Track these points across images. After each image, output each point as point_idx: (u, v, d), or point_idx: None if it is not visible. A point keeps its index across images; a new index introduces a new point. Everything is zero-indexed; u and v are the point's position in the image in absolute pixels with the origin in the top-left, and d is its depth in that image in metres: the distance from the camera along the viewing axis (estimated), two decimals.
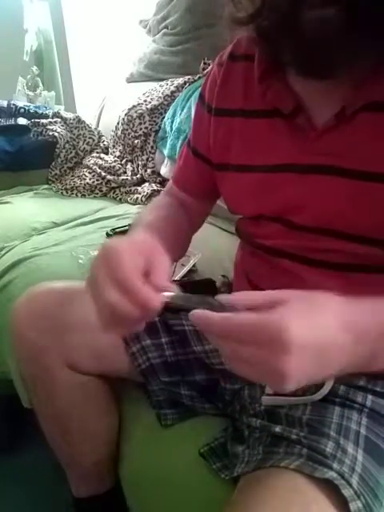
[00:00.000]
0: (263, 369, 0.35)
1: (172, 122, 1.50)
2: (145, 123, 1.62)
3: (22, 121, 1.79)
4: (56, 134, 1.75)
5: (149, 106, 1.61)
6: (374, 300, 0.40)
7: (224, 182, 0.65)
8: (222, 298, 0.39)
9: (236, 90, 0.60)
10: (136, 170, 1.70)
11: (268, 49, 0.52)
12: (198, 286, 0.84)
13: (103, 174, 1.69)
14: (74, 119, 1.83)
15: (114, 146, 1.80)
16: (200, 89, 0.69)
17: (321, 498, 0.42)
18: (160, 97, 1.62)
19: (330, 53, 0.42)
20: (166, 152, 1.53)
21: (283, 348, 0.34)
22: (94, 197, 1.68)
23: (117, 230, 1.27)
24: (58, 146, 1.76)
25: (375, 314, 0.40)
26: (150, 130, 1.62)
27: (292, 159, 0.54)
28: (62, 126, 1.81)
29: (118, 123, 1.72)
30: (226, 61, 0.61)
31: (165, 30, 1.79)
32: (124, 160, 1.74)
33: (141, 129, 1.63)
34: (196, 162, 0.70)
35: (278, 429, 0.51)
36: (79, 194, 1.68)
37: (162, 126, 1.58)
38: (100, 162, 1.73)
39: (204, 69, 1.53)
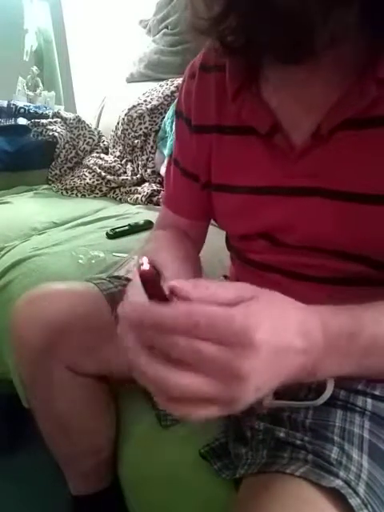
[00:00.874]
0: (221, 373, 0.31)
1: (172, 122, 1.50)
2: (145, 123, 1.62)
3: (22, 121, 1.79)
4: (56, 134, 1.75)
5: (149, 106, 1.61)
6: (337, 310, 0.39)
7: (210, 201, 0.63)
8: (179, 287, 0.33)
9: (210, 104, 0.57)
10: (136, 169, 1.70)
11: (238, 51, 0.46)
12: None
13: (103, 174, 1.69)
14: (74, 119, 1.83)
15: (114, 146, 1.80)
16: (176, 105, 0.64)
17: (327, 507, 0.41)
18: (160, 97, 1.62)
19: (311, 29, 0.38)
20: (166, 152, 1.53)
21: (247, 348, 0.31)
22: (94, 197, 1.68)
23: (117, 230, 1.27)
24: (57, 146, 1.76)
25: (329, 325, 0.37)
26: (150, 130, 1.62)
27: (275, 182, 0.53)
28: (62, 126, 1.81)
29: (117, 123, 1.72)
30: (199, 72, 0.58)
31: (165, 30, 1.79)
32: (124, 160, 1.74)
33: (141, 129, 1.63)
34: (187, 183, 0.66)
35: (281, 434, 0.51)
36: (79, 194, 1.68)
37: (162, 126, 1.58)
38: (100, 162, 1.73)
39: None
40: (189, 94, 0.60)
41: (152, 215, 1.39)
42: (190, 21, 0.44)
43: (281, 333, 0.33)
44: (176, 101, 0.65)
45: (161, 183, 1.64)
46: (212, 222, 0.74)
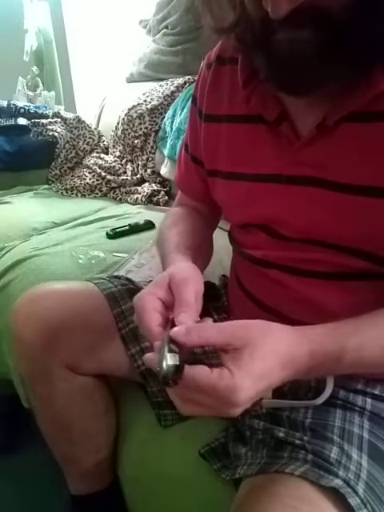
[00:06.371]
0: (211, 410, 0.40)
1: (172, 122, 1.50)
2: (145, 123, 1.62)
3: (22, 121, 1.79)
4: (56, 134, 1.75)
5: (149, 106, 1.61)
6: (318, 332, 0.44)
7: (214, 189, 0.64)
8: (178, 331, 0.40)
9: (223, 94, 0.59)
10: (136, 169, 1.70)
11: (248, 58, 0.52)
12: None
13: (103, 174, 1.69)
14: (74, 119, 1.83)
15: (114, 146, 1.80)
16: (193, 90, 0.68)
17: (327, 507, 0.41)
18: (160, 97, 1.62)
19: (304, 73, 0.43)
20: (165, 152, 1.53)
21: (231, 405, 0.39)
22: (94, 197, 1.68)
23: (117, 230, 1.27)
24: (57, 146, 1.76)
25: (313, 350, 0.43)
26: (150, 130, 1.62)
27: (277, 169, 0.53)
28: (62, 126, 1.81)
29: (117, 123, 1.72)
30: (214, 64, 0.61)
31: (165, 30, 1.79)
32: (124, 160, 1.74)
33: (141, 129, 1.63)
34: (197, 169, 0.69)
35: (281, 434, 0.51)
36: (79, 194, 1.68)
37: (162, 126, 1.58)
38: (100, 162, 1.73)
39: None
40: (204, 82, 0.63)
41: (152, 215, 1.39)
42: (207, 23, 0.49)
43: (262, 380, 0.40)
44: (194, 85, 0.67)
45: (161, 183, 1.65)
46: None
